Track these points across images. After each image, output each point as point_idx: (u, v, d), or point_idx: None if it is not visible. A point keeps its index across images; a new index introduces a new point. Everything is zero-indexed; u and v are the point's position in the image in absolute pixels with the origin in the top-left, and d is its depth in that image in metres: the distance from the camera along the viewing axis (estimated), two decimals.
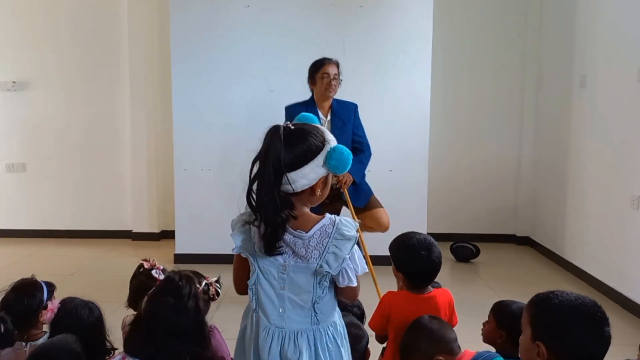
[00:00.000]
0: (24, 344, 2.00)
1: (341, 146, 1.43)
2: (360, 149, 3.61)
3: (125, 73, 5.20)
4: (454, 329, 2.05)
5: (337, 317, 1.56)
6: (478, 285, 4.14)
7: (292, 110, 3.48)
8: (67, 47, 5.24)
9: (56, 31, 5.22)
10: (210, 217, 4.45)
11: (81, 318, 1.91)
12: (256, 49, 4.42)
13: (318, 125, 1.49)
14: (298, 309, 1.47)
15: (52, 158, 5.34)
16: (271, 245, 1.42)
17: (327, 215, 1.48)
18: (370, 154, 3.67)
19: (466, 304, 3.19)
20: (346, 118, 3.58)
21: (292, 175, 1.39)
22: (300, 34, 4.41)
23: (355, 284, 1.48)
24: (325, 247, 1.43)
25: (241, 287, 1.56)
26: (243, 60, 4.43)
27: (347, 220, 1.48)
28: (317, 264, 1.43)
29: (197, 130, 4.47)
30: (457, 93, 5.25)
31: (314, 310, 1.47)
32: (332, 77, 3.45)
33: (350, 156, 1.44)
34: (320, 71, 3.48)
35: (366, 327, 2.14)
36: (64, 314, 1.91)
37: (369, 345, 2.08)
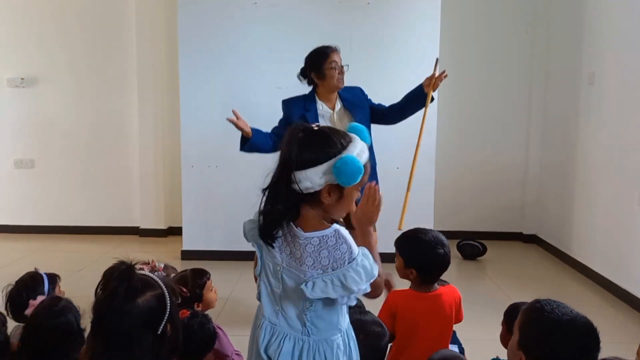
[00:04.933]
0: None
1: (351, 157, 1.35)
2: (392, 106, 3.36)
3: (132, 69, 5.22)
4: (460, 324, 2.06)
5: (341, 338, 1.47)
6: (485, 283, 4.14)
7: (290, 105, 3.32)
8: (75, 44, 5.26)
9: (64, 28, 5.24)
10: (217, 213, 4.47)
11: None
12: (263, 45, 4.42)
13: (350, 134, 1.43)
14: (292, 313, 1.45)
15: (60, 154, 5.37)
16: (267, 232, 1.42)
17: (333, 225, 1.41)
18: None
19: (473, 301, 3.20)
20: (358, 100, 3.30)
21: (297, 175, 1.36)
22: (307, 30, 4.40)
23: (353, 301, 1.43)
24: (320, 258, 1.38)
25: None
26: (250, 57, 4.43)
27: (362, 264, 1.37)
28: (307, 275, 1.39)
29: (204, 127, 4.48)
30: (464, 90, 5.22)
31: (304, 320, 1.44)
32: (341, 65, 3.20)
33: (358, 170, 1.35)
34: (327, 61, 3.18)
35: None
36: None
37: None
